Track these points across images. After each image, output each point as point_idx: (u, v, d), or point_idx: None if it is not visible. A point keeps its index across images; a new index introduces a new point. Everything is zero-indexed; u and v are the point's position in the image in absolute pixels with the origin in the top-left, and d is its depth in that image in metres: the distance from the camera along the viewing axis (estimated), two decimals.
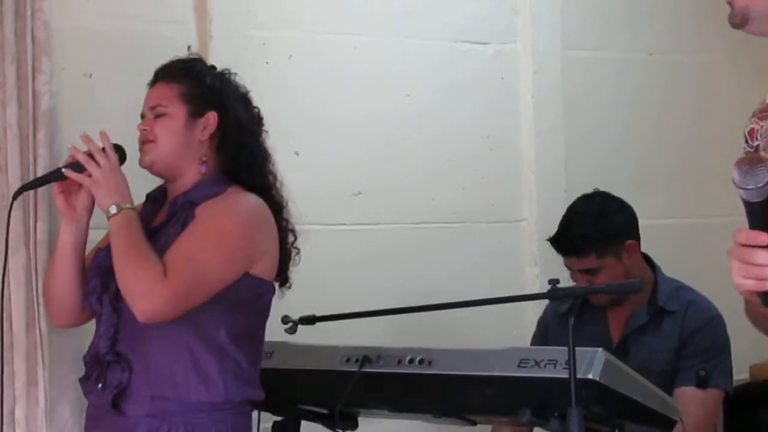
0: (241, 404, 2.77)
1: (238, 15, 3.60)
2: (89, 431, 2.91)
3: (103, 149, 2.68)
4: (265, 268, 2.67)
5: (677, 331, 3.50)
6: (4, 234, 2.89)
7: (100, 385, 2.72)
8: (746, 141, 2.23)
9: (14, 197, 2.83)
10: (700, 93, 4.52)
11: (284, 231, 2.80)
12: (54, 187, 2.83)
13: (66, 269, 2.85)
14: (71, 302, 2.90)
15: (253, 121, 2.85)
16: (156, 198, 2.90)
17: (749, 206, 1.97)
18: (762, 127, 2.23)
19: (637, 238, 3.47)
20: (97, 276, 2.77)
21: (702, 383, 3.46)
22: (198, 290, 2.58)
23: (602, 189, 3.57)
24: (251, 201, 2.71)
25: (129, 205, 2.66)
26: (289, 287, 2.83)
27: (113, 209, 2.65)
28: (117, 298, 2.71)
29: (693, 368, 3.46)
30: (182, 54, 2.96)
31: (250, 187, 2.77)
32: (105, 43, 3.33)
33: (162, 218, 2.81)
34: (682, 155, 4.45)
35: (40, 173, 2.88)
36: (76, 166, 2.72)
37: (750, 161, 1.96)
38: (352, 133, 3.78)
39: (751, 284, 2.00)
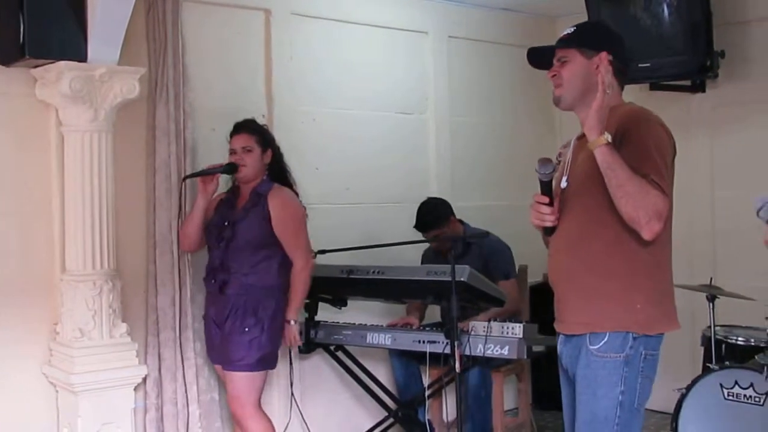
0: (285, 290, 4.45)
1: (286, 98, 5.40)
2: (207, 306, 4.52)
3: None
4: None
5: (478, 254, 5.22)
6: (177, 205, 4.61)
7: (213, 281, 4.43)
8: (555, 158, 3.21)
9: (183, 180, 4.52)
10: (514, 136, 6.72)
11: None
12: (200, 177, 4.45)
13: (197, 220, 4.47)
14: (196, 238, 4.52)
15: (282, 154, 4.66)
16: (234, 192, 4.52)
17: (542, 183, 3.01)
18: (563, 152, 3.23)
19: (453, 214, 5.36)
20: (214, 225, 4.46)
21: (507, 276, 5.29)
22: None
23: (468, 185, 5.63)
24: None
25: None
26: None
27: (293, 323, 4.41)
28: (221, 237, 4.35)
29: (499, 270, 5.23)
30: (258, 119, 4.75)
31: (283, 183, 4.57)
32: (222, 112, 4.93)
33: (243, 203, 4.43)
34: (500, 168, 6.54)
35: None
36: (228, 167, 4.38)
37: (545, 160, 3.02)
38: (346, 160, 5.68)
39: (537, 222, 3.09)
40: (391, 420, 5.24)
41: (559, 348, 3.16)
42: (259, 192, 4.46)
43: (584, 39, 3.09)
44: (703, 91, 5.77)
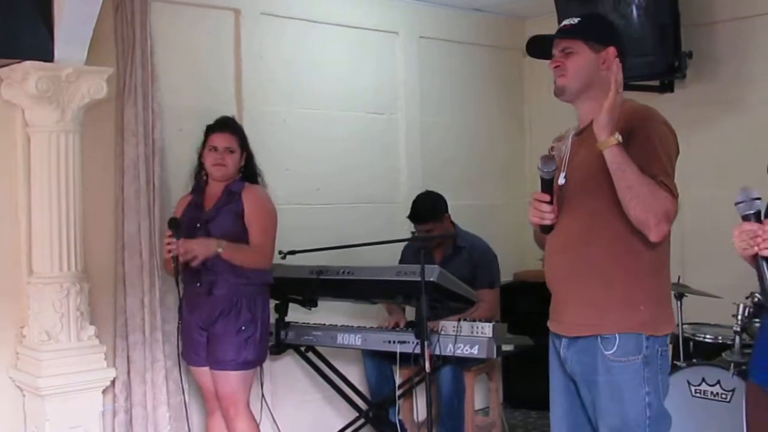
0: (263, 285, 4.43)
1: (256, 98, 5.39)
2: (189, 311, 4.35)
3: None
4: None
5: (467, 259, 5.27)
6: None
7: (198, 284, 4.34)
8: (549, 152, 3.10)
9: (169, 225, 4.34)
10: (484, 136, 6.75)
11: None
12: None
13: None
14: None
15: (253, 156, 4.59)
16: (199, 191, 4.46)
17: (543, 181, 2.92)
18: (557, 146, 3.13)
19: (447, 211, 5.36)
20: (184, 229, 4.33)
21: (491, 285, 5.34)
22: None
23: (439, 185, 5.53)
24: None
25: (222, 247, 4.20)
26: None
27: (219, 250, 4.23)
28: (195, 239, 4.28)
29: (485, 278, 5.28)
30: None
31: (253, 181, 4.54)
32: (191, 112, 4.97)
33: (215, 202, 4.37)
34: (471, 168, 6.57)
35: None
36: (171, 222, 4.28)
37: (548, 158, 2.93)
38: (316, 161, 5.69)
39: (537, 220, 2.98)
40: (362, 420, 5.23)
41: (562, 353, 3.07)
42: (233, 190, 4.44)
43: (591, 31, 3.04)
44: (672, 91, 5.80)
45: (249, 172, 4.58)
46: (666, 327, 2.98)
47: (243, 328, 4.30)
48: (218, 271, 4.34)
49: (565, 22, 3.09)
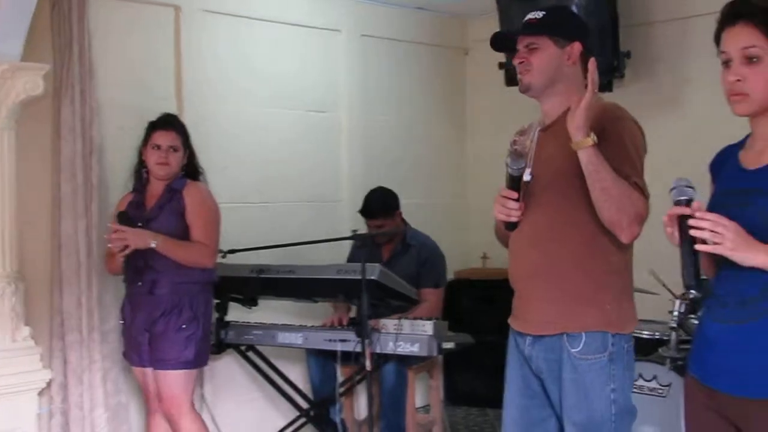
0: (207, 284, 4.39)
1: (196, 95, 5.35)
2: (131, 311, 4.32)
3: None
4: None
5: (415, 257, 5.32)
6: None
7: (140, 283, 4.29)
8: (510, 146, 2.95)
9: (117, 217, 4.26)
10: (425, 135, 6.78)
11: None
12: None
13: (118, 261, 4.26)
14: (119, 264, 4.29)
15: (195, 154, 4.52)
16: (140, 189, 4.38)
17: (510, 177, 2.87)
18: (519, 140, 3.00)
19: (399, 208, 5.40)
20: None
21: (436, 285, 5.37)
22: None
23: (381, 183, 5.53)
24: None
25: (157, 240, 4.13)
26: None
27: (153, 244, 4.17)
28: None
29: (431, 278, 5.33)
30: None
31: (195, 179, 4.50)
32: (130, 109, 4.92)
33: (156, 200, 4.33)
34: (411, 167, 6.59)
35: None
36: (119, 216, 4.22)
37: (518, 153, 2.85)
38: (256, 159, 5.66)
39: (503, 217, 2.91)
40: (302, 420, 5.22)
41: (527, 351, 3.03)
42: (174, 188, 4.39)
43: (556, 27, 3.02)
44: (611, 90, 5.85)
45: (191, 170, 4.53)
46: (631, 325, 2.98)
47: (184, 326, 4.26)
48: (160, 269, 4.30)
49: (530, 15, 3.05)
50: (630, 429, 2.99)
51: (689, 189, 2.28)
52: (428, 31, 6.79)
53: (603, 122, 2.85)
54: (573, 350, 2.90)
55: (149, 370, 4.39)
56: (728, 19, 2.31)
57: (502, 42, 3.16)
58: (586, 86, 2.80)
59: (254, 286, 4.93)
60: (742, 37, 2.27)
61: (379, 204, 5.39)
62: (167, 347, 4.26)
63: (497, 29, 5.68)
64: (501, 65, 5.85)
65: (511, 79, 5.86)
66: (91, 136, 4.70)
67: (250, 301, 5.06)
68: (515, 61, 3.04)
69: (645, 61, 5.91)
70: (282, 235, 5.31)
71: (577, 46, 3.00)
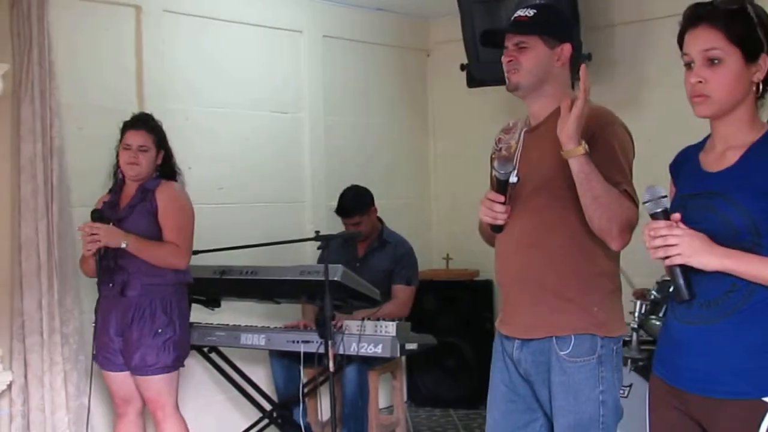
0: (180, 285, 4.35)
1: (158, 95, 5.31)
2: (103, 313, 4.24)
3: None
4: None
5: (391, 253, 5.39)
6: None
7: (111, 285, 4.22)
8: (495, 144, 3.07)
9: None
10: (388, 135, 6.83)
11: None
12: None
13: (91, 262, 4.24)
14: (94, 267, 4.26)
15: (173, 155, 4.51)
16: (116, 190, 4.36)
17: (497, 180, 2.86)
18: (504, 138, 3.05)
19: (374, 205, 5.46)
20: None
21: (408, 283, 5.42)
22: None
23: (344, 185, 5.56)
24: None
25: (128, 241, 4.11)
26: None
27: (124, 244, 4.15)
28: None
29: (404, 275, 5.38)
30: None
31: (170, 179, 4.42)
32: (91, 110, 4.93)
33: (128, 200, 4.28)
34: (374, 168, 6.52)
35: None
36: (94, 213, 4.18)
37: (506, 158, 2.88)
38: (219, 160, 5.66)
39: (489, 220, 2.92)
40: (266, 421, 5.21)
41: (515, 354, 3.00)
42: (147, 188, 4.34)
43: (547, 26, 2.97)
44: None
45: (167, 171, 4.47)
46: (620, 326, 2.98)
47: (159, 330, 4.21)
48: (131, 270, 4.25)
49: (520, 13, 3.00)
50: (616, 429, 2.99)
51: (663, 199, 2.28)
52: (390, 33, 6.81)
53: (593, 128, 2.81)
54: (562, 353, 2.89)
55: (123, 375, 4.34)
56: (690, 21, 2.33)
57: (490, 37, 3.12)
58: (585, 99, 2.76)
59: (217, 287, 4.92)
60: (703, 40, 2.30)
61: (354, 202, 5.44)
62: (145, 353, 4.21)
63: (459, 31, 5.80)
64: (463, 67, 5.89)
65: (473, 80, 5.94)
66: (51, 137, 4.66)
67: (213, 303, 5.05)
68: (504, 60, 2.99)
69: (605, 63, 5.95)
70: (245, 236, 5.28)
71: (567, 48, 2.97)
